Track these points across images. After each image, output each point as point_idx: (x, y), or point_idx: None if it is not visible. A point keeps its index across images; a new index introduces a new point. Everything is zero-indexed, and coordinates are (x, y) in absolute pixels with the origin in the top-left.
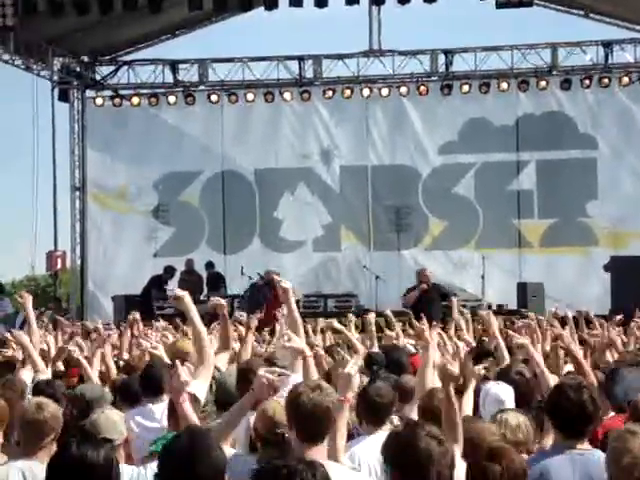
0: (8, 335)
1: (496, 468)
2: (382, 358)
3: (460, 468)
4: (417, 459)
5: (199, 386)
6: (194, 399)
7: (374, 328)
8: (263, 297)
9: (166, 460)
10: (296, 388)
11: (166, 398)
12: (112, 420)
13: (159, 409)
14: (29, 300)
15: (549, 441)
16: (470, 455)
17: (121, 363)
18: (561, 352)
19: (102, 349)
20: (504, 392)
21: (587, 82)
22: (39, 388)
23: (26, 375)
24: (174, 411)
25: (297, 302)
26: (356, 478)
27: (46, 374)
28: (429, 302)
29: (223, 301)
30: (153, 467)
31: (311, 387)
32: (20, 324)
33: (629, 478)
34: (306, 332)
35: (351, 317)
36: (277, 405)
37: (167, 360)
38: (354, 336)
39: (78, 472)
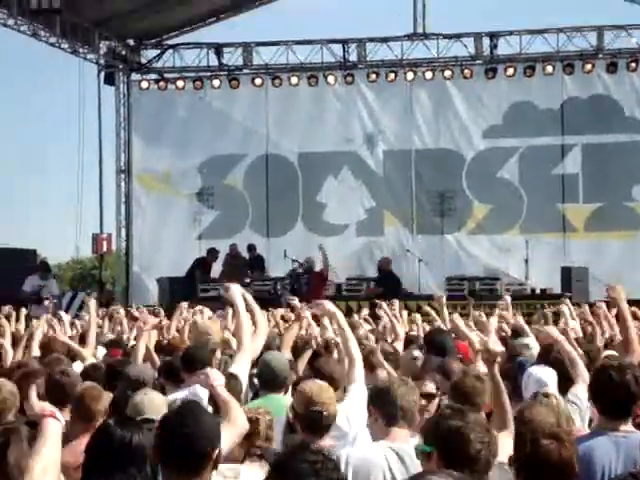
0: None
1: (552, 447)
2: (419, 340)
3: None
4: (466, 448)
5: (240, 368)
6: (233, 377)
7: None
8: (305, 284)
9: (160, 427)
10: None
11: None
12: (156, 402)
13: (205, 392)
14: (92, 304)
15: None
16: (523, 436)
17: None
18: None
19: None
20: (546, 374)
21: (633, 65)
22: (86, 372)
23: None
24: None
25: (339, 285)
26: None
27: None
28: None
29: (230, 286)
30: None
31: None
32: (66, 306)
33: None
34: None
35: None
36: (314, 384)
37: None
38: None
39: (123, 453)
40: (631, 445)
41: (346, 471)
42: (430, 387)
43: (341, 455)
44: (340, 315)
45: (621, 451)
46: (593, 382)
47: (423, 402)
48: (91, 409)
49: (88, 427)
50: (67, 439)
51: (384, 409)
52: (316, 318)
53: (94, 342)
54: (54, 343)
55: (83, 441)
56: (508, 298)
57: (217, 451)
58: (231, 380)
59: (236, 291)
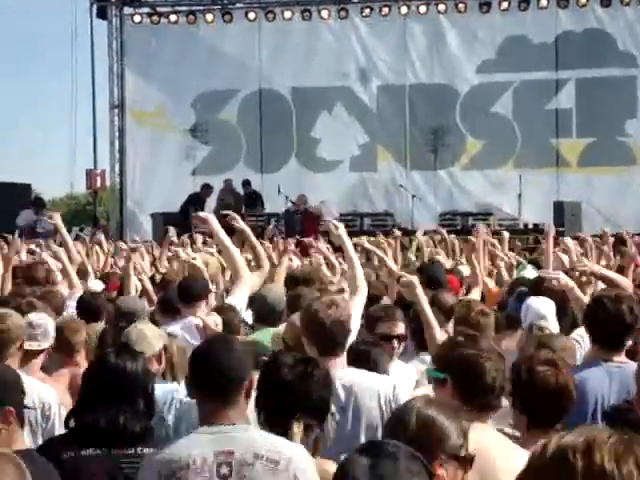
0: (44, 253)
1: (549, 373)
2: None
3: None
4: (482, 378)
5: (237, 300)
6: (231, 309)
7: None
8: (298, 223)
9: (193, 356)
10: (311, 306)
11: (205, 308)
12: (144, 333)
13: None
14: (58, 218)
15: None
16: (518, 366)
17: (158, 278)
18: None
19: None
20: (545, 306)
21: None
22: (85, 300)
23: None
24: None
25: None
26: (375, 378)
27: (80, 291)
28: None
29: (235, 214)
30: None
31: (327, 304)
32: (60, 241)
33: None
34: None
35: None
36: None
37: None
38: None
39: (114, 381)
40: (625, 375)
41: None
42: (401, 327)
43: None
44: (349, 244)
45: (614, 381)
46: (588, 312)
47: (395, 344)
48: (70, 341)
49: (68, 358)
50: (48, 370)
51: (316, 338)
52: (306, 253)
53: (75, 260)
54: (35, 270)
55: (63, 371)
56: (506, 234)
57: (249, 381)
58: (229, 312)
59: (213, 220)
